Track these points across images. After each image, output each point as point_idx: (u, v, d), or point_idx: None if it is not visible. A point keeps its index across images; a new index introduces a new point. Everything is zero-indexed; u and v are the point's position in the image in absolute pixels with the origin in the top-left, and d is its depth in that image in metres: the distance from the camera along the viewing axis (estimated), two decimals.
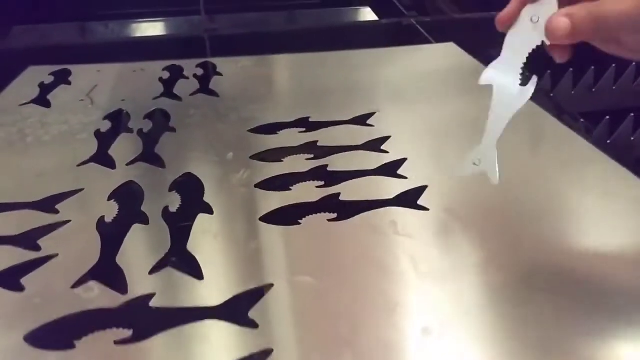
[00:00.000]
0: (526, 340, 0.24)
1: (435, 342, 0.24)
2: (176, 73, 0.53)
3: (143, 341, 0.23)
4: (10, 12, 0.63)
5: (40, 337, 0.23)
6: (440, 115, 0.44)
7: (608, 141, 0.46)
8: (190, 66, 0.55)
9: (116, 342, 0.23)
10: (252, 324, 0.24)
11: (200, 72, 0.54)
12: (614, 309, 0.25)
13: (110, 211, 0.32)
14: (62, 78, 0.52)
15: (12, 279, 0.27)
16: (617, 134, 0.46)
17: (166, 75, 0.52)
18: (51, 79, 0.52)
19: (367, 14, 0.91)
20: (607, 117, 0.46)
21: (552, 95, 0.53)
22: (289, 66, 0.57)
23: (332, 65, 0.55)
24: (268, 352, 0.23)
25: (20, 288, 0.26)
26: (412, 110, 0.45)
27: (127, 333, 0.24)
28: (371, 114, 0.44)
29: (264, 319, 0.24)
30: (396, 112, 0.45)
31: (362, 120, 0.43)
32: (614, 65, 0.55)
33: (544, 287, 0.27)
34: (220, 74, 0.53)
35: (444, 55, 0.57)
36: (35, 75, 0.53)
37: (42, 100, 0.47)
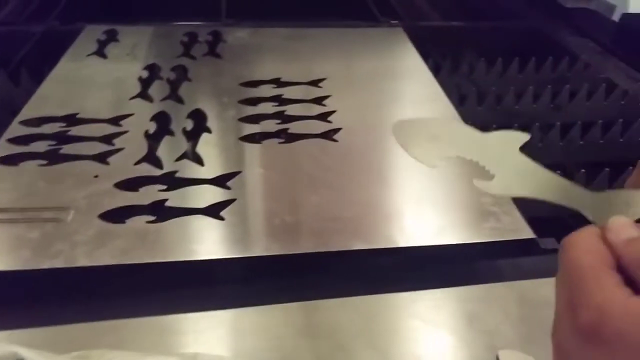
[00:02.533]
0: None
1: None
2: (193, 38, 0.74)
3: (162, 222, 0.42)
4: None
5: (110, 215, 0.43)
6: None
7: None
8: (203, 33, 0.76)
9: (147, 222, 0.42)
10: (227, 187, 0.47)
11: (210, 38, 0.75)
12: None
13: (152, 127, 0.55)
14: (112, 36, 0.73)
15: (102, 158, 0.49)
16: None
17: (186, 39, 0.74)
18: (104, 36, 0.73)
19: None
20: None
21: None
22: (277, 37, 0.78)
23: (308, 39, 0.76)
24: (232, 200, 0.45)
25: (107, 163, 0.49)
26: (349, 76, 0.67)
27: (152, 218, 0.43)
28: (322, 79, 0.65)
29: (233, 186, 0.47)
30: (341, 80, 0.66)
31: (315, 83, 0.65)
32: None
33: None
34: (224, 41, 0.74)
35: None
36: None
37: (100, 53, 0.69)
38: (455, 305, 0.38)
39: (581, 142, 0.60)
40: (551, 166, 0.56)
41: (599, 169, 0.54)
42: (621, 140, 0.60)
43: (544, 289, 0.39)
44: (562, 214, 0.54)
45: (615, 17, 0.90)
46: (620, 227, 0.22)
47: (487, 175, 0.27)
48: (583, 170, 0.52)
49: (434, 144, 0.29)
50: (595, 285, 0.20)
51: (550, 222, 0.53)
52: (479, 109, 0.65)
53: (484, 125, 0.63)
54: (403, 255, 0.42)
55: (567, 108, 0.67)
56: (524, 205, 0.45)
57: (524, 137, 0.29)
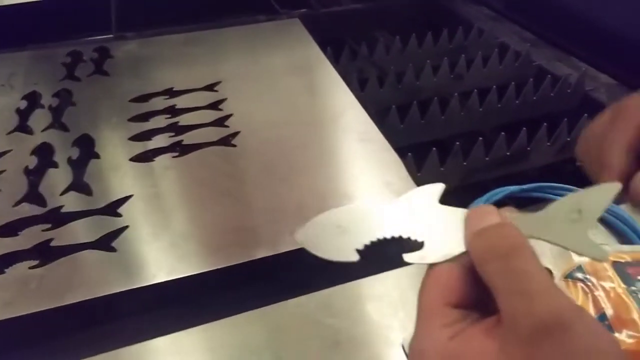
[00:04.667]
0: None
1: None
2: (77, 58, 0.69)
3: (47, 265, 0.39)
4: None
5: None
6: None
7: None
8: (88, 50, 0.71)
9: (30, 267, 0.39)
10: (118, 214, 0.44)
11: (96, 55, 0.70)
12: None
13: (32, 162, 0.50)
14: None
15: None
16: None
17: (68, 60, 0.69)
18: None
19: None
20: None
21: None
22: (169, 45, 0.74)
23: (204, 42, 0.73)
24: (124, 228, 0.43)
25: None
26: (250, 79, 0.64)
27: (36, 262, 0.39)
28: (217, 82, 0.63)
29: (125, 212, 0.44)
30: (238, 81, 0.64)
31: (210, 88, 0.62)
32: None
33: None
34: (112, 57, 0.70)
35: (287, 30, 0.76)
36: None
37: None
38: (356, 301, 0.37)
39: (480, 109, 0.60)
40: (453, 137, 0.57)
41: (497, 133, 0.55)
42: (517, 102, 0.61)
43: None
44: (467, 181, 0.55)
45: None
46: (478, 216, 0.22)
47: (416, 244, 0.24)
48: (480, 139, 0.53)
49: (345, 237, 0.25)
50: (425, 327, 0.20)
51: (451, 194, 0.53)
52: (381, 91, 0.65)
53: (386, 107, 0.64)
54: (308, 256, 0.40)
55: (466, 77, 0.67)
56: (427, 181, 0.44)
57: (438, 188, 0.26)
